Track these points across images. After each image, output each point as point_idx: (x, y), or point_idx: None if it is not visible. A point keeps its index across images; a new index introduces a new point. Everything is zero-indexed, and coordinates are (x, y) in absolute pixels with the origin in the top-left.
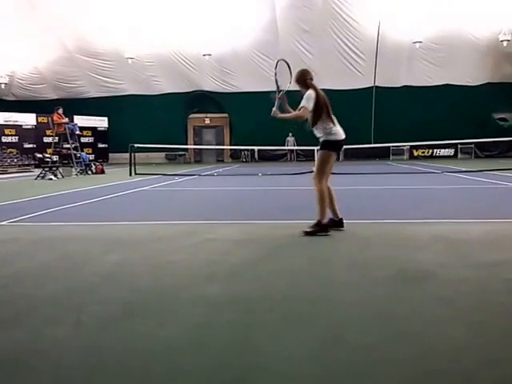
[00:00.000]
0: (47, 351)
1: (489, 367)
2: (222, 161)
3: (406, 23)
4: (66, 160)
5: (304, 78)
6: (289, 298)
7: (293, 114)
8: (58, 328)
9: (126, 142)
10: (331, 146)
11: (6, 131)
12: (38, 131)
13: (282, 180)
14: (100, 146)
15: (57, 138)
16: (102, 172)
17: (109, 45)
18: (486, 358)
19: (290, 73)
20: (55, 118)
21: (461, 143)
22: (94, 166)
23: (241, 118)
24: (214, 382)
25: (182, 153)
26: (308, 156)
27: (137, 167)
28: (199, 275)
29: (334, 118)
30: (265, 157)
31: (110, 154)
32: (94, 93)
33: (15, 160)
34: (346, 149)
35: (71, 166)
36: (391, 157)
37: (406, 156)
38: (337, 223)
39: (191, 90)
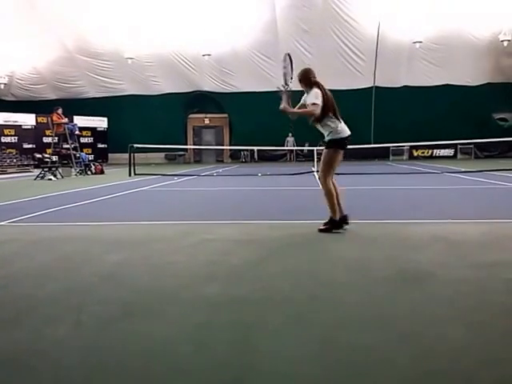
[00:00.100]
0: (47, 351)
1: (489, 367)
2: (222, 161)
3: (405, 23)
4: (65, 160)
5: (308, 77)
6: (289, 298)
7: (305, 110)
8: (57, 328)
9: (126, 142)
10: (338, 144)
11: (6, 131)
12: (37, 131)
13: (282, 180)
14: (99, 146)
15: (56, 138)
16: (102, 172)
17: (108, 45)
18: (485, 358)
19: (292, 69)
20: (55, 118)
21: (461, 143)
22: (93, 167)
23: (240, 118)
24: (214, 382)
25: (182, 153)
26: (307, 156)
27: (136, 167)
28: (199, 275)
29: (339, 115)
30: (264, 157)
31: (110, 155)
32: (93, 93)
33: (14, 160)
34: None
35: (71, 167)
36: (391, 157)
37: (405, 156)
38: (338, 223)
39: (191, 90)
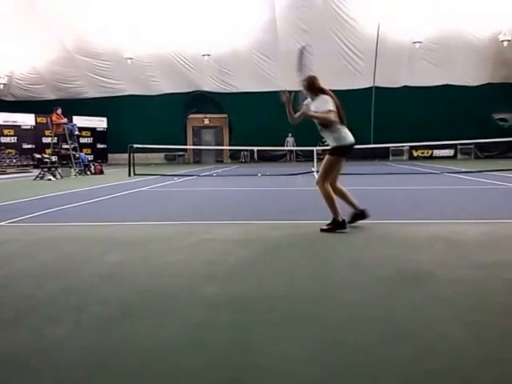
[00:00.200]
0: (47, 351)
1: (488, 367)
2: (222, 161)
3: (405, 23)
4: (64, 160)
5: (315, 83)
6: (288, 298)
7: (325, 115)
8: (57, 328)
9: (125, 142)
10: (342, 151)
11: (5, 132)
12: (36, 131)
13: (282, 180)
14: (99, 146)
15: (56, 138)
16: (101, 172)
17: (108, 45)
18: (485, 358)
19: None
20: (54, 118)
21: (460, 144)
22: (92, 167)
23: (240, 119)
24: (214, 382)
25: (181, 153)
26: (307, 156)
27: (136, 168)
28: (198, 275)
29: (345, 122)
30: (264, 157)
31: (109, 155)
32: (92, 93)
33: (14, 160)
34: None
35: (70, 167)
36: (391, 157)
37: (405, 156)
38: (359, 215)
39: (190, 90)
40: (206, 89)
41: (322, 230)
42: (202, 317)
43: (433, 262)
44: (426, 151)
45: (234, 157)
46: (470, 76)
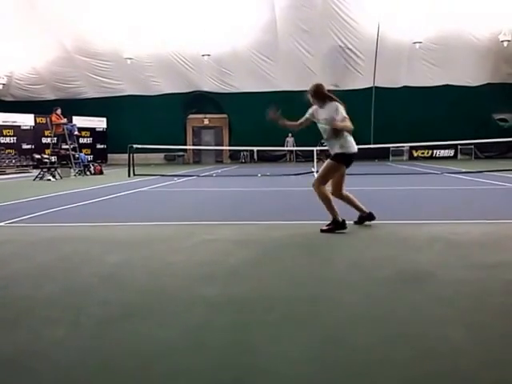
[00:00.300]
0: (46, 352)
1: (489, 368)
2: (221, 161)
3: (405, 23)
4: (64, 161)
5: (322, 91)
6: (288, 299)
7: (347, 125)
8: (57, 329)
9: (125, 142)
10: (344, 159)
11: (5, 132)
12: (36, 132)
13: (282, 181)
14: (99, 146)
15: (55, 138)
16: (101, 173)
17: (108, 45)
18: (485, 359)
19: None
20: (54, 118)
21: (461, 144)
22: (92, 167)
23: (240, 119)
24: (214, 382)
25: (181, 153)
26: (307, 157)
27: (136, 168)
28: (199, 276)
29: None
30: (264, 157)
31: (109, 155)
32: (92, 93)
33: (13, 161)
34: None
35: (70, 167)
36: (391, 157)
37: (405, 157)
38: (366, 218)
39: (190, 90)
40: (206, 89)
41: (322, 231)
42: (202, 317)
43: (433, 262)
44: (426, 151)
45: (234, 157)
46: (470, 76)
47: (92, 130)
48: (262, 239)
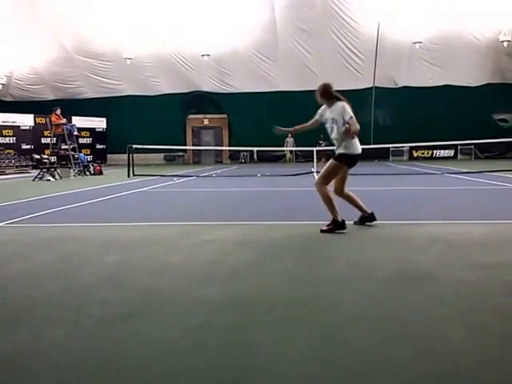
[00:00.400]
0: (46, 352)
1: (489, 368)
2: (221, 162)
3: (405, 23)
4: (63, 161)
5: (330, 91)
6: (288, 299)
7: (357, 128)
8: (57, 329)
9: (125, 142)
10: (346, 160)
11: (4, 132)
12: (35, 132)
13: (281, 181)
14: (98, 146)
15: (55, 138)
16: (101, 173)
17: (107, 45)
18: (486, 359)
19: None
20: (53, 118)
21: (461, 144)
22: (92, 167)
23: (240, 119)
24: (214, 382)
25: (181, 154)
26: (307, 157)
27: (135, 168)
28: (198, 276)
29: None
30: (264, 158)
31: (109, 155)
32: (92, 93)
33: (13, 161)
34: None
35: (69, 167)
36: (391, 158)
37: (405, 157)
38: (367, 218)
39: (190, 90)
40: (206, 89)
41: (322, 231)
42: (202, 317)
43: (433, 262)
44: (426, 152)
45: (234, 157)
46: (470, 76)
47: (91, 130)
48: (262, 239)
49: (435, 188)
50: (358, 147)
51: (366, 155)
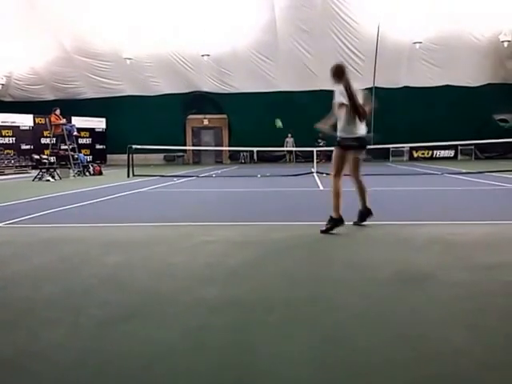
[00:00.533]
0: (46, 353)
1: (490, 370)
2: (221, 162)
3: (405, 23)
4: (63, 161)
5: (335, 73)
6: (288, 300)
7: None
8: (56, 330)
9: (124, 143)
10: (338, 144)
11: (3, 132)
12: (35, 132)
13: (282, 181)
14: (98, 147)
15: (54, 139)
16: (100, 173)
17: (107, 45)
18: (487, 360)
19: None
20: (53, 119)
21: (461, 144)
22: (91, 168)
23: (240, 119)
24: (214, 383)
25: (181, 154)
26: (307, 157)
27: (135, 168)
28: (198, 277)
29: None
30: (264, 158)
31: (108, 155)
32: (91, 94)
33: (12, 161)
34: None
35: (69, 168)
36: (391, 158)
37: (405, 157)
38: (365, 214)
39: (190, 90)
40: (206, 89)
41: (322, 231)
42: (202, 318)
43: (433, 263)
44: (426, 152)
45: (234, 157)
46: (470, 76)
47: (91, 131)
48: (262, 240)
49: (435, 188)
50: (342, 132)
51: (366, 155)
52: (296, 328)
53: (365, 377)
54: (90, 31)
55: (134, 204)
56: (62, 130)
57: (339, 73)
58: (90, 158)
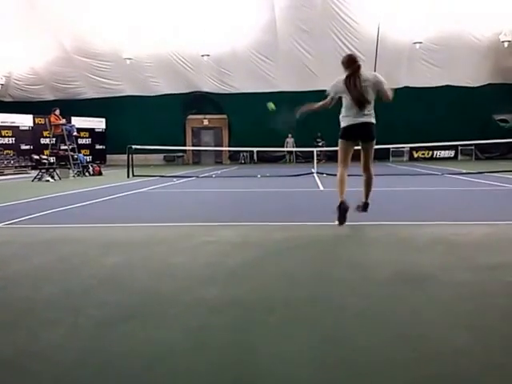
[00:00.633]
0: (46, 353)
1: (491, 370)
2: (221, 162)
3: (406, 23)
4: (63, 161)
5: (344, 63)
6: (288, 300)
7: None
8: (56, 330)
9: (124, 143)
10: (340, 133)
11: (3, 132)
12: (34, 132)
13: (282, 182)
14: (98, 147)
15: (54, 139)
16: (100, 174)
17: (107, 45)
18: (488, 361)
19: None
20: (52, 119)
21: (461, 145)
22: (91, 168)
23: (240, 119)
24: (214, 383)
25: (181, 154)
26: (307, 158)
27: (135, 169)
28: (198, 277)
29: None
30: (264, 158)
31: (108, 156)
32: (91, 94)
33: (12, 162)
34: None
35: (68, 168)
36: (391, 158)
37: (405, 157)
38: (362, 207)
39: (190, 90)
40: (206, 89)
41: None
42: (202, 318)
43: (434, 263)
44: (426, 152)
45: (234, 158)
46: (470, 77)
47: (91, 131)
48: (262, 240)
49: (435, 189)
50: (344, 121)
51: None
52: (296, 328)
53: (365, 377)
54: (89, 31)
55: (133, 204)
56: (62, 131)
57: (342, 64)
58: (89, 159)
